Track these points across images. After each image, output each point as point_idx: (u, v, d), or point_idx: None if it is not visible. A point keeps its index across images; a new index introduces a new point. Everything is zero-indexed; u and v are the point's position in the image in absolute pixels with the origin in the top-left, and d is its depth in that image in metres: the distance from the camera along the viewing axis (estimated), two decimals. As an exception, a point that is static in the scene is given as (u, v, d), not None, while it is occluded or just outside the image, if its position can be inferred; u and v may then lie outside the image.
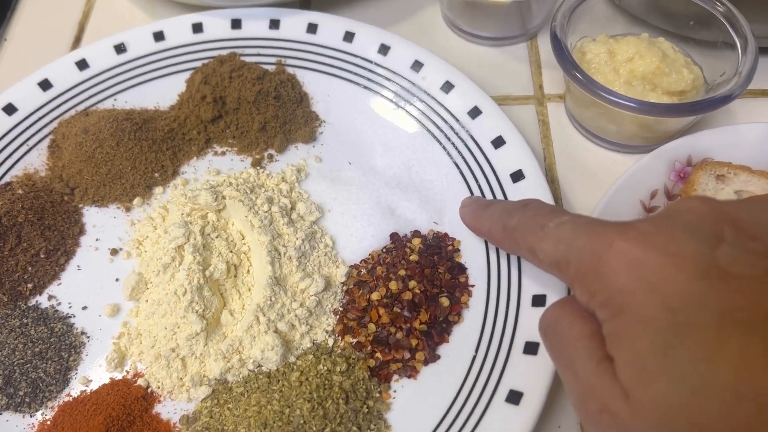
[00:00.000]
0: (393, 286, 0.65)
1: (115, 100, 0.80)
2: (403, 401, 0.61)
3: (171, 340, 0.63)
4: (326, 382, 0.60)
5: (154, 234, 0.71)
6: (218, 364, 0.62)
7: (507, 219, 0.55)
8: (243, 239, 0.68)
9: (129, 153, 0.75)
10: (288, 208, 0.70)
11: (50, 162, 0.77)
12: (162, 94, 0.81)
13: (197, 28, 0.84)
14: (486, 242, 0.68)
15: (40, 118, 0.78)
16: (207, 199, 0.67)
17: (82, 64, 0.81)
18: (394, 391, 0.62)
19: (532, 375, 0.58)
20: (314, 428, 0.57)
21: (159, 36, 0.83)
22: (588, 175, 0.76)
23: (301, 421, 0.57)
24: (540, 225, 0.49)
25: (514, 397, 0.57)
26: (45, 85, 0.79)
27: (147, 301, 0.67)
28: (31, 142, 0.77)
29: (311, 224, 0.70)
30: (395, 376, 0.63)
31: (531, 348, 0.60)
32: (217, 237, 0.67)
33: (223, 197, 0.69)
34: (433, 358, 0.63)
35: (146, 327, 0.65)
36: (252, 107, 0.78)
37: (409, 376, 0.63)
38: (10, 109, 0.77)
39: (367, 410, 0.60)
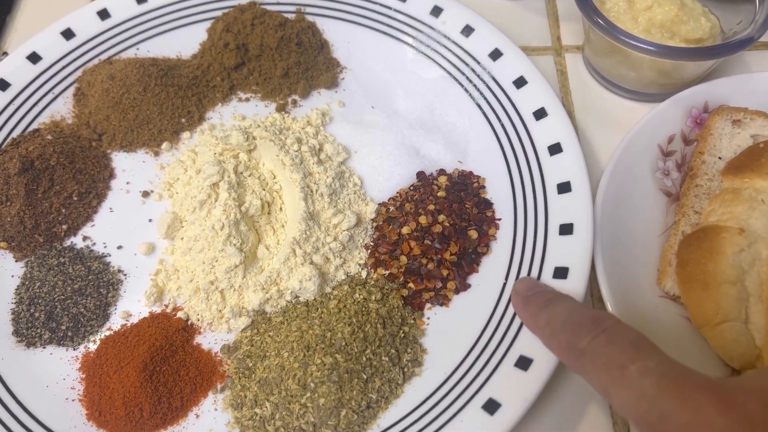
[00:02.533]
0: (423, 220, 0.67)
1: (138, 49, 0.81)
2: (436, 327, 0.64)
3: (209, 274, 0.64)
4: (363, 309, 0.62)
5: (184, 176, 0.72)
6: (257, 295, 0.64)
7: (574, 337, 0.46)
8: (274, 178, 0.70)
9: (156, 98, 0.76)
10: (316, 148, 0.71)
11: (76, 110, 0.77)
12: (183, 43, 0.82)
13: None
14: (511, 179, 0.70)
15: (64, 67, 0.79)
16: (239, 139, 0.69)
17: (103, 14, 0.81)
18: (428, 318, 0.64)
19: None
20: (355, 350, 0.59)
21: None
22: (606, 122, 0.78)
23: (343, 343, 0.59)
24: (618, 364, 0.41)
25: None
26: (68, 34, 0.80)
27: (182, 238, 0.68)
28: (56, 90, 0.78)
29: (339, 164, 0.72)
30: (428, 305, 0.65)
31: (561, 272, 0.62)
32: (249, 176, 0.69)
33: (254, 138, 0.70)
34: (463, 287, 0.65)
35: (183, 263, 0.67)
36: (275, 54, 0.79)
37: (441, 304, 0.65)
38: (34, 58, 0.78)
39: (403, 335, 0.62)
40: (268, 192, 0.69)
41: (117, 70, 0.76)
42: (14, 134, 0.74)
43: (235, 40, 0.78)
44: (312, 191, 0.67)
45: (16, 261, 0.68)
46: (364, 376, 0.58)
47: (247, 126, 0.73)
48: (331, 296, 0.64)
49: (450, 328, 0.63)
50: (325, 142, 0.73)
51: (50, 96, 0.77)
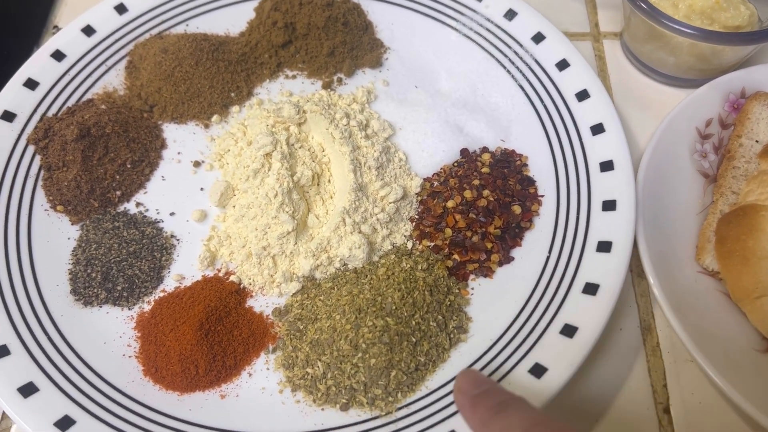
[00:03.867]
0: (468, 194, 0.69)
1: (187, 25, 0.83)
2: (480, 298, 0.65)
3: (262, 240, 0.66)
4: (411, 277, 0.64)
5: (235, 148, 0.74)
6: (308, 261, 0.66)
7: None
8: (323, 151, 0.72)
9: (207, 72, 0.78)
10: (363, 124, 0.73)
11: (128, 82, 0.80)
12: (231, 21, 0.84)
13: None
14: (553, 158, 0.72)
15: (116, 41, 0.81)
16: (290, 111, 0.71)
17: (155, -10, 0.83)
18: (472, 289, 0.66)
19: (607, 270, 0.62)
20: (405, 314, 0.61)
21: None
22: (643, 106, 0.80)
23: (393, 307, 0.61)
24: None
25: (591, 289, 0.62)
26: (120, 9, 0.82)
27: (234, 206, 0.70)
28: (109, 63, 0.80)
29: (385, 140, 0.74)
30: (472, 276, 0.67)
31: (604, 246, 0.64)
32: (300, 147, 0.71)
33: (304, 111, 0.72)
34: (507, 259, 0.67)
35: (235, 230, 0.69)
36: (321, 33, 0.81)
37: (485, 276, 0.67)
38: (88, 31, 0.80)
39: (449, 303, 0.64)
40: (317, 164, 0.71)
41: (170, 44, 0.78)
42: (69, 103, 0.76)
43: (284, 19, 0.81)
44: (360, 164, 0.69)
45: (72, 224, 0.70)
46: (413, 340, 0.60)
47: (297, 101, 0.75)
48: (379, 264, 0.66)
49: (494, 298, 0.65)
50: (371, 119, 0.75)
51: (103, 68, 0.79)
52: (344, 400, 0.59)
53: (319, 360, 0.60)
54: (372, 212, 0.68)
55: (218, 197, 0.70)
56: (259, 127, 0.72)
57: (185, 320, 0.63)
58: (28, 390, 0.57)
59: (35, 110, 0.75)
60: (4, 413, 0.63)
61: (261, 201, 0.67)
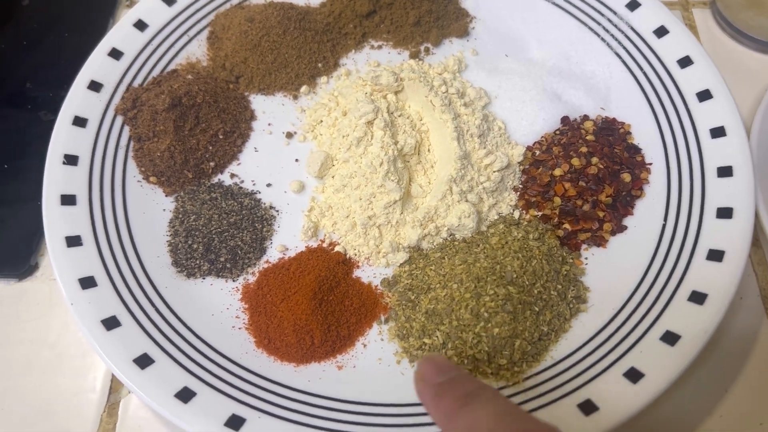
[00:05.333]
0: (576, 162, 0.67)
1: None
2: (595, 268, 0.64)
3: (367, 210, 0.65)
4: (525, 246, 0.62)
5: (328, 118, 0.72)
6: (415, 231, 0.64)
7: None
8: (421, 120, 0.70)
9: (294, 42, 0.76)
10: (461, 92, 0.71)
11: (210, 52, 0.78)
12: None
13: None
14: (658, 125, 0.70)
15: (197, 10, 0.79)
16: (389, 79, 0.69)
17: (234, -40, 0.81)
18: (585, 259, 0.64)
19: (731, 236, 0.60)
20: (526, 282, 0.59)
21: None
22: (739, 75, 0.78)
23: (514, 276, 0.59)
24: None
25: (716, 255, 0.60)
26: (201, -21, 0.80)
27: (333, 177, 0.68)
28: (191, 33, 0.78)
29: (482, 108, 0.72)
30: (584, 246, 0.65)
31: (724, 212, 0.62)
32: (399, 116, 0.69)
33: (401, 79, 0.70)
34: (620, 228, 0.65)
35: (336, 200, 0.67)
36: (407, 2, 0.79)
37: (598, 245, 0.65)
38: (169, 0, 0.78)
39: (565, 273, 0.62)
40: (417, 132, 0.69)
41: (255, 13, 0.76)
42: (153, 74, 0.74)
43: (369, -12, 0.78)
44: (463, 132, 0.67)
45: (166, 195, 0.68)
46: (536, 309, 0.59)
47: (385, 68, 0.73)
48: (489, 233, 0.64)
49: (610, 268, 0.63)
50: (466, 87, 0.73)
51: (185, 38, 0.77)
52: (467, 371, 0.57)
53: (438, 330, 0.59)
54: (478, 181, 0.66)
55: (318, 168, 0.68)
56: (354, 96, 0.70)
57: (297, 290, 0.61)
58: (143, 361, 0.56)
59: (121, 80, 0.73)
60: (112, 384, 0.62)
61: (365, 170, 0.65)
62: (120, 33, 0.75)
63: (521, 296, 0.58)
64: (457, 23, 0.80)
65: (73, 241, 0.62)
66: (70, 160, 0.66)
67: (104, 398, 0.61)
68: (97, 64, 0.72)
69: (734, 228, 0.61)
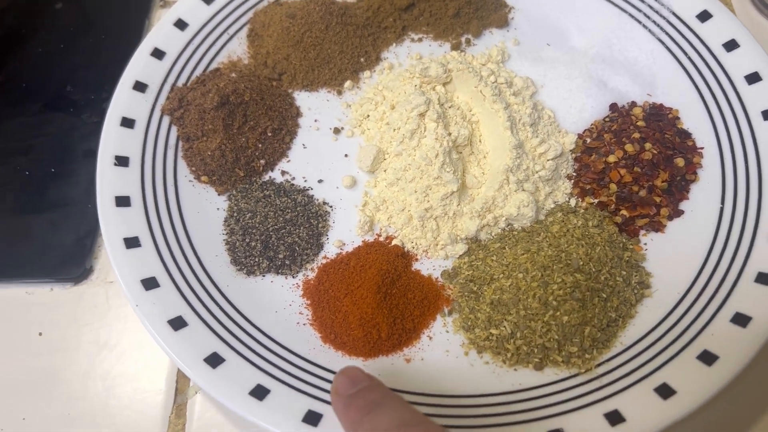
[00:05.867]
0: (629, 148, 0.67)
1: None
2: (655, 253, 0.64)
3: (423, 202, 0.64)
4: (586, 233, 0.62)
5: (376, 112, 0.72)
6: (473, 222, 0.64)
7: None
8: (470, 110, 0.70)
9: (337, 37, 0.75)
10: (509, 81, 0.71)
11: (251, 50, 0.77)
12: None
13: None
14: (707, 110, 0.70)
15: (236, 8, 0.78)
16: (438, 70, 0.69)
17: (269, -43, 0.81)
18: (645, 245, 0.64)
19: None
20: (592, 269, 0.59)
21: None
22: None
23: (580, 263, 0.59)
24: None
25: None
26: (237, -24, 0.79)
27: (385, 170, 0.68)
28: (231, 31, 0.77)
29: (530, 97, 0.71)
30: (642, 231, 0.65)
31: (784, 193, 0.62)
32: (450, 107, 0.68)
33: (449, 70, 0.70)
34: (677, 213, 0.65)
35: (390, 194, 0.67)
36: (446, -7, 0.79)
37: (656, 230, 0.65)
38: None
39: (627, 259, 0.62)
40: (468, 123, 0.68)
41: (296, 9, 0.76)
42: (196, 73, 0.74)
43: (408, -19, 0.78)
44: (515, 121, 0.67)
45: (218, 194, 0.68)
46: (603, 296, 0.58)
47: (433, 59, 0.72)
48: (548, 222, 0.64)
49: (670, 252, 0.63)
50: (513, 76, 0.73)
51: (225, 36, 0.77)
52: (537, 360, 0.57)
53: (505, 320, 0.58)
54: (533, 170, 0.66)
55: (370, 162, 0.68)
56: (402, 89, 0.70)
57: (360, 284, 0.60)
58: (214, 360, 0.55)
59: (165, 80, 0.72)
60: (177, 385, 0.62)
61: (419, 162, 0.65)
62: (161, 33, 0.74)
63: (589, 283, 0.58)
64: (497, 14, 0.80)
65: (132, 243, 0.61)
66: (121, 161, 0.66)
67: (170, 399, 0.61)
68: (140, 65, 0.72)
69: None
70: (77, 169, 0.73)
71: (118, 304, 0.66)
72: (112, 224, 0.62)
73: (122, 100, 0.69)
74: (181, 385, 0.62)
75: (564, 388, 0.56)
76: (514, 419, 0.53)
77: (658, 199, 0.65)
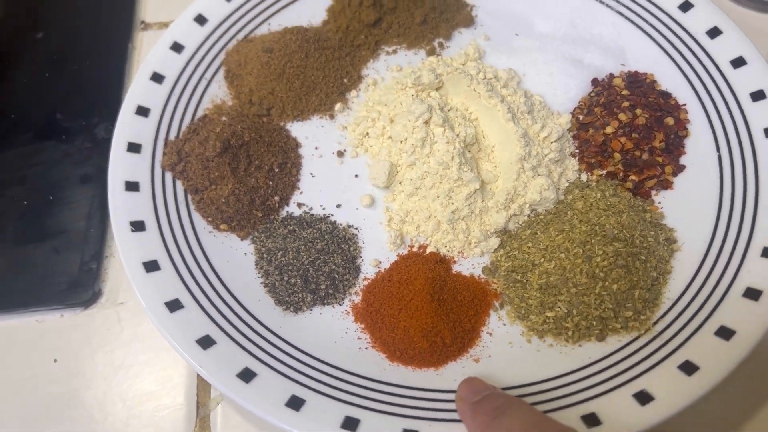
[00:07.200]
0: (623, 117, 0.70)
1: (269, 24, 0.81)
2: (670, 209, 0.67)
3: (449, 206, 0.66)
4: (608, 203, 0.65)
5: (374, 129, 0.72)
6: (500, 214, 0.65)
7: None
8: (467, 110, 0.71)
9: (317, 63, 0.76)
10: (495, 75, 0.74)
11: (232, 91, 0.76)
12: (311, 11, 0.82)
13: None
14: (677, 66, 0.75)
15: (207, 51, 0.77)
16: (430, 77, 0.70)
17: (228, -5, 0.80)
18: (659, 203, 0.68)
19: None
20: (627, 235, 0.62)
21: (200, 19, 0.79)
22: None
23: (615, 232, 0.62)
24: None
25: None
26: (201, 19, 0.78)
27: (401, 182, 0.69)
28: (208, 75, 0.76)
29: (517, 86, 0.74)
30: (653, 192, 0.69)
31: (772, 131, 0.67)
32: (449, 110, 0.70)
33: (440, 74, 0.71)
34: (679, 168, 0.69)
35: (412, 205, 0.67)
36: (410, 3, 0.80)
37: (665, 188, 0.68)
38: (177, 47, 0.76)
39: (649, 219, 0.65)
40: (469, 122, 0.70)
41: (272, 42, 0.75)
42: (184, 124, 0.72)
43: (371, -3, 0.79)
44: (514, 112, 0.70)
45: (241, 240, 0.67)
46: (642, 257, 0.61)
47: (429, 66, 0.74)
48: (569, 201, 0.67)
49: (683, 205, 0.67)
50: (496, 70, 0.75)
51: (204, 82, 0.76)
52: (597, 331, 0.59)
53: (558, 301, 0.60)
54: (542, 154, 0.68)
55: (385, 177, 0.68)
56: (397, 101, 0.71)
57: (411, 297, 0.61)
58: (295, 403, 0.55)
59: (156, 136, 0.71)
60: (198, 398, 0.61)
61: (436, 168, 0.66)
62: (140, 89, 0.72)
63: (628, 249, 0.61)
64: (461, 14, 0.82)
65: (175, 305, 0.60)
66: (138, 226, 0.64)
67: (192, 413, 0.63)
68: (129, 125, 0.70)
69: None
70: (75, 194, 0.74)
71: (130, 325, 0.68)
72: (149, 289, 0.60)
73: (119, 164, 0.67)
74: (201, 398, 0.63)
75: (630, 352, 0.58)
76: (598, 391, 0.55)
77: (660, 159, 0.69)
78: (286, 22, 0.81)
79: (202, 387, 0.64)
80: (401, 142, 0.69)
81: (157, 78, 0.74)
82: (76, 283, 0.69)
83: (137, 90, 0.72)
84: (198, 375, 0.64)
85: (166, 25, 0.89)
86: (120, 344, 0.66)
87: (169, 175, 0.68)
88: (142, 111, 0.71)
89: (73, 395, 0.64)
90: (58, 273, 0.69)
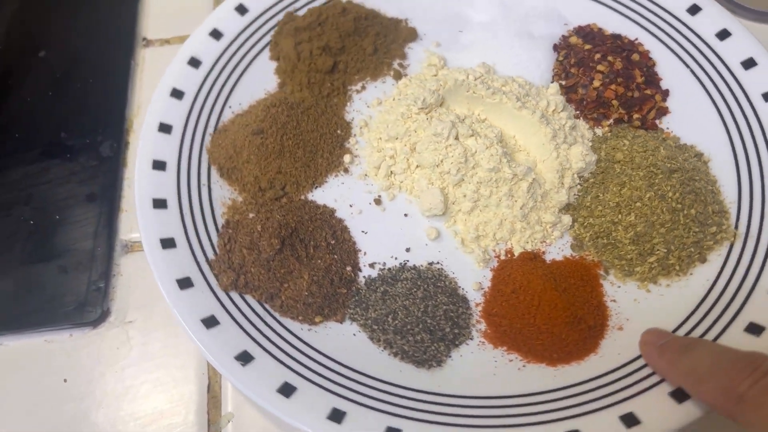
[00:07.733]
0: (602, 68, 0.76)
1: (230, 107, 0.76)
2: (679, 130, 0.74)
3: (514, 205, 0.67)
4: (641, 145, 0.70)
5: (398, 166, 0.71)
6: (561, 193, 0.68)
7: (729, 381, 0.44)
8: (473, 113, 0.73)
9: (309, 126, 0.73)
10: (477, 74, 0.76)
11: (235, 186, 0.71)
12: (261, 78, 0.78)
13: (241, 9, 0.81)
14: (620, 13, 0.82)
15: (188, 160, 0.71)
16: (433, 96, 0.71)
17: (176, 93, 0.74)
18: (667, 127, 0.74)
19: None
20: (678, 165, 0.67)
21: (216, 34, 0.78)
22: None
23: (669, 165, 0.67)
24: None
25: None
26: (166, 128, 0.72)
27: (454, 203, 0.69)
28: (203, 180, 0.71)
29: (499, 77, 0.77)
30: (656, 121, 0.75)
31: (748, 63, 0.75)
32: (464, 119, 0.71)
33: (436, 90, 0.72)
34: (665, 93, 0.77)
35: (477, 219, 0.68)
36: (355, 38, 0.80)
37: (663, 114, 0.75)
38: (160, 165, 0.69)
39: (673, 144, 0.72)
40: (484, 124, 0.72)
41: (258, 123, 0.71)
42: (203, 237, 0.67)
43: (317, 45, 0.78)
44: (519, 99, 0.72)
45: (341, 323, 0.63)
46: (697, 178, 0.68)
47: (426, 86, 0.74)
48: (603, 158, 0.71)
49: (686, 123, 0.74)
50: (474, 70, 0.77)
51: (204, 189, 0.70)
52: (698, 255, 0.65)
53: (653, 245, 0.65)
54: (562, 126, 0.72)
55: (442, 204, 0.68)
56: (412, 128, 0.71)
57: (538, 301, 0.62)
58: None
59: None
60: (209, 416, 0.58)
61: (488, 176, 0.67)
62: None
63: (686, 175, 0.66)
64: (401, 30, 0.83)
65: (289, 390, 0.56)
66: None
67: (203, 431, 0.63)
68: (155, 253, 0.63)
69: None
70: (81, 213, 0.75)
71: (139, 343, 0.68)
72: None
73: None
74: (212, 416, 0.63)
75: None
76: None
77: (648, 92, 0.75)
78: (244, 98, 0.77)
79: (213, 405, 0.65)
80: (437, 165, 0.69)
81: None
82: (85, 303, 0.69)
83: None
84: (208, 393, 0.65)
85: (168, 41, 0.89)
86: (130, 363, 0.67)
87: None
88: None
89: (85, 415, 0.64)
90: (66, 293, 0.69)
